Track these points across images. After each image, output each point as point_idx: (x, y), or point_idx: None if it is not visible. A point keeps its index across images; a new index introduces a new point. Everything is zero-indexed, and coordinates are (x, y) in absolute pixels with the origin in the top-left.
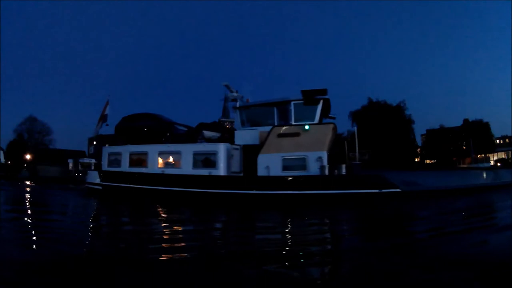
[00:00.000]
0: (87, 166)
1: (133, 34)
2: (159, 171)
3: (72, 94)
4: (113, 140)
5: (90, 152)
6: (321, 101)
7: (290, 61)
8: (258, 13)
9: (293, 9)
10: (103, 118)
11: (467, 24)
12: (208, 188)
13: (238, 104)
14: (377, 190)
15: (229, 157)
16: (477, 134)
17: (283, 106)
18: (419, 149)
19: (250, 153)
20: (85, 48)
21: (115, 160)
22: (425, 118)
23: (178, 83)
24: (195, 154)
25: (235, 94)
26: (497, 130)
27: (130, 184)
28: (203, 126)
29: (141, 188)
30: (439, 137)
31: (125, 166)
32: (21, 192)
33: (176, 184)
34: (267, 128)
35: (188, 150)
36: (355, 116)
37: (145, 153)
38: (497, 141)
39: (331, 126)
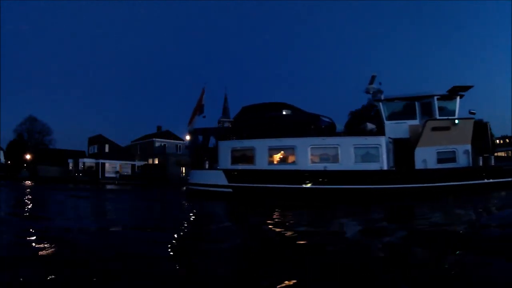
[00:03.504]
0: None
1: (133, 34)
2: (317, 168)
3: (72, 94)
4: (216, 133)
5: (90, 152)
6: (458, 97)
7: (290, 60)
8: (254, 13)
9: (291, 9)
10: (200, 109)
11: (467, 24)
12: (376, 184)
13: (383, 97)
14: None
15: (388, 150)
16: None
17: (425, 100)
18: None
19: (400, 146)
20: (86, 48)
21: (243, 157)
22: None
23: (176, 83)
24: (356, 148)
25: (375, 87)
26: (497, 130)
27: (276, 184)
28: (361, 118)
29: (292, 188)
30: None
31: (262, 163)
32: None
33: (337, 182)
34: (410, 122)
35: (348, 143)
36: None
37: (292, 148)
38: (497, 141)
39: (473, 120)
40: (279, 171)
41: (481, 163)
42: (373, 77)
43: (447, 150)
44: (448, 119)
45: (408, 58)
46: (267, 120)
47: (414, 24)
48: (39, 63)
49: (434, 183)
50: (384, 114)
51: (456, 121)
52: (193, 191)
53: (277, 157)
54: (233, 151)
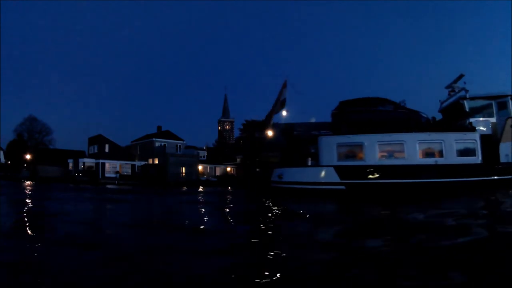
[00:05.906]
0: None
1: (133, 34)
2: (427, 162)
3: (72, 93)
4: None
5: (90, 152)
6: None
7: (290, 60)
8: (254, 14)
9: (291, 9)
10: (282, 104)
11: (466, 24)
12: (475, 177)
13: (468, 95)
14: None
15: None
16: None
17: (501, 99)
18: None
19: (486, 141)
20: (86, 48)
21: (350, 153)
22: None
23: (176, 84)
24: (457, 143)
25: (459, 85)
26: None
27: (389, 179)
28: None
29: (406, 183)
30: None
31: (372, 159)
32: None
33: (445, 175)
34: (489, 119)
35: (450, 138)
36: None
37: (401, 143)
38: None
39: None
40: (394, 166)
41: None
42: (460, 76)
43: None
44: None
45: (406, 58)
46: (372, 115)
47: (413, 24)
48: (39, 63)
49: None
50: (468, 111)
51: None
52: (288, 190)
53: (385, 152)
54: (339, 146)
